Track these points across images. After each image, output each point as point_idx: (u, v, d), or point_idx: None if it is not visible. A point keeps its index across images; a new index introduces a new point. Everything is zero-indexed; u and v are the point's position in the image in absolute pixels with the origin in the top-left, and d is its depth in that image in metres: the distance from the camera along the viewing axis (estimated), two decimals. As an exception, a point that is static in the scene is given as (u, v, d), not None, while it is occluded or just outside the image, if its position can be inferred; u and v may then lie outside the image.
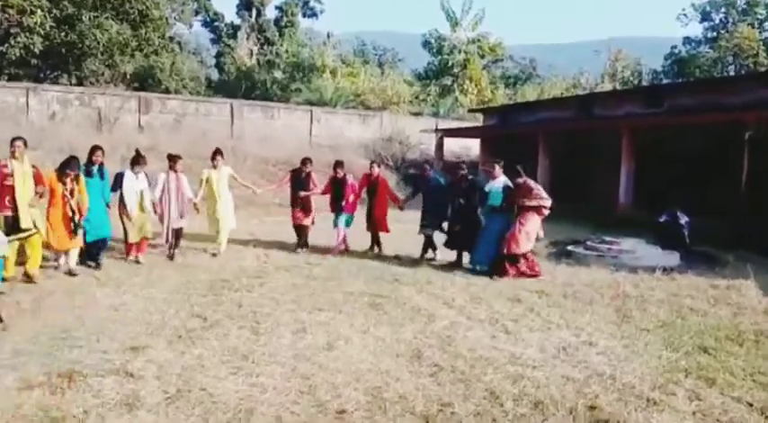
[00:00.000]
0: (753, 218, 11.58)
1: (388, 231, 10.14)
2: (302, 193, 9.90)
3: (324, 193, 10.14)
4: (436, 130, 24.12)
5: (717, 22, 42.27)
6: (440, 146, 23.33)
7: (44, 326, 5.57)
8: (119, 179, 8.50)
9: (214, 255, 9.37)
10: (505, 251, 8.29)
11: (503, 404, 4.16)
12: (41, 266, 7.55)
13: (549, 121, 19.84)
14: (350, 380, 4.49)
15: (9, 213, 7.03)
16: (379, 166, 10.68)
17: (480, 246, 8.73)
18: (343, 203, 9.91)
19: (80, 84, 26.09)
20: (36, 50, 24.89)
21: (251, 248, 9.88)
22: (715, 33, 41.37)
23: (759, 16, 40.93)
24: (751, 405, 4.27)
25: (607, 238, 10.35)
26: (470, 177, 9.37)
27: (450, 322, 6.11)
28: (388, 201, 10.21)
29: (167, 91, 27.97)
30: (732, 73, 37.07)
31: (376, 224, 10.10)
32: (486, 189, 8.82)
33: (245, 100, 27.38)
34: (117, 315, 6.06)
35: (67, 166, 7.61)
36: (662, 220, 11.29)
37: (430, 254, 9.70)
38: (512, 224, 8.42)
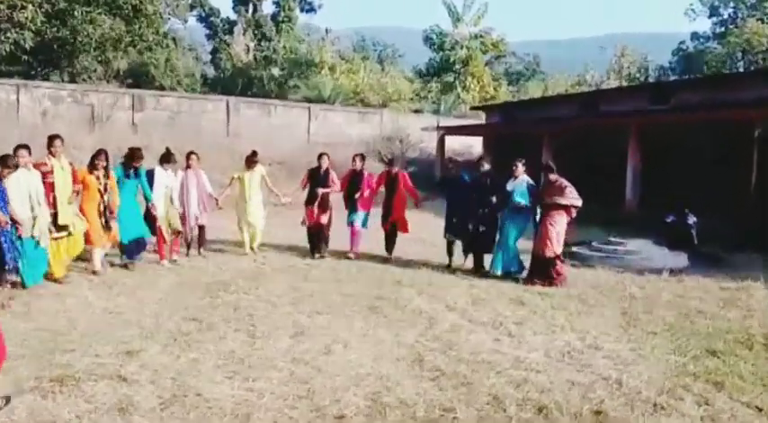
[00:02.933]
0: (762, 217, 11.59)
1: (407, 231, 9.79)
2: (321, 190, 9.55)
3: (342, 187, 9.89)
4: (437, 128, 24.11)
5: (725, 17, 42.33)
6: (441, 144, 23.32)
7: (35, 329, 5.57)
8: (150, 177, 8.63)
9: (248, 254, 9.50)
10: (541, 254, 8.04)
11: (506, 409, 4.16)
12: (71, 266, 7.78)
13: (554, 119, 19.84)
14: (349, 384, 4.49)
15: (53, 210, 7.26)
16: (405, 166, 10.32)
17: (502, 250, 8.56)
18: (357, 196, 9.64)
19: (72, 80, 26.08)
20: (27, 46, 24.88)
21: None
22: (723, 29, 41.41)
23: (769, 11, 40.94)
24: (761, 410, 4.27)
25: (613, 239, 10.35)
26: (490, 174, 9.01)
27: (452, 325, 6.11)
28: (407, 199, 9.86)
29: (162, 88, 27.98)
30: (741, 69, 37.06)
31: (394, 224, 9.74)
32: (509, 188, 8.51)
33: (241, 97, 27.41)
34: (110, 318, 6.05)
35: (96, 158, 7.83)
36: (669, 220, 11.31)
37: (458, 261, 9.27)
38: (539, 225, 8.21)
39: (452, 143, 24.43)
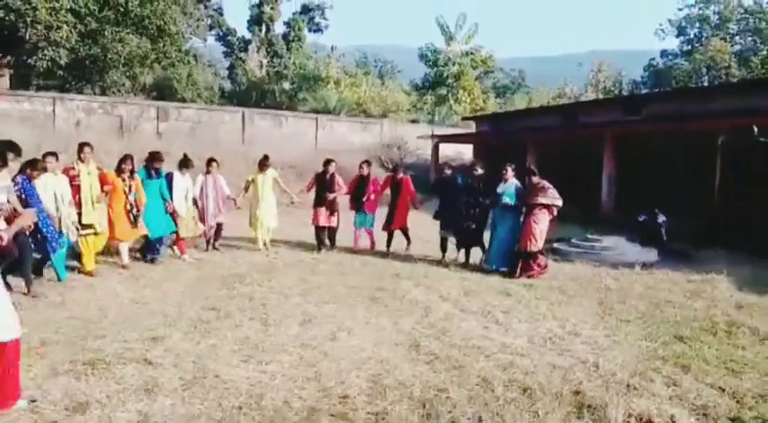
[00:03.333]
0: (725, 217, 11.59)
1: (397, 228, 9.74)
2: (330, 195, 9.53)
3: (349, 191, 9.91)
4: (432, 137, 24.10)
5: (692, 36, 42.32)
6: (435, 151, 23.33)
7: (69, 317, 5.58)
8: (168, 180, 8.66)
9: (261, 250, 9.49)
10: (525, 249, 8.10)
11: (494, 390, 4.16)
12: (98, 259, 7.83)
13: (537, 128, 19.82)
14: (352, 367, 4.49)
15: (77, 210, 7.30)
16: (404, 171, 10.24)
17: (494, 245, 8.59)
18: (364, 200, 9.68)
19: (103, 93, 26.09)
20: (62, 63, 24.90)
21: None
22: (690, 47, 41.41)
23: (731, 31, 41.00)
24: (723, 390, 4.27)
25: (590, 236, 10.35)
26: (482, 177, 8.99)
27: (446, 314, 6.11)
28: (409, 202, 9.83)
29: (183, 100, 27.96)
30: (706, 83, 37.06)
31: (395, 222, 9.73)
32: (499, 191, 8.55)
33: (255, 109, 27.38)
34: (137, 308, 6.06)
35: (123, 162, 7.94)
36: (641, 219, 11.29)
37: (451, 255, 9.29)
38: (523, 223, 8.26)
39: (446, 150, 24.40)
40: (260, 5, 37.55)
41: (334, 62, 35.70)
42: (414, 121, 31.22)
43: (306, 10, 39.20)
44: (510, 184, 8.56)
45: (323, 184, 9.75)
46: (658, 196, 12.77)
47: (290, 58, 36.99)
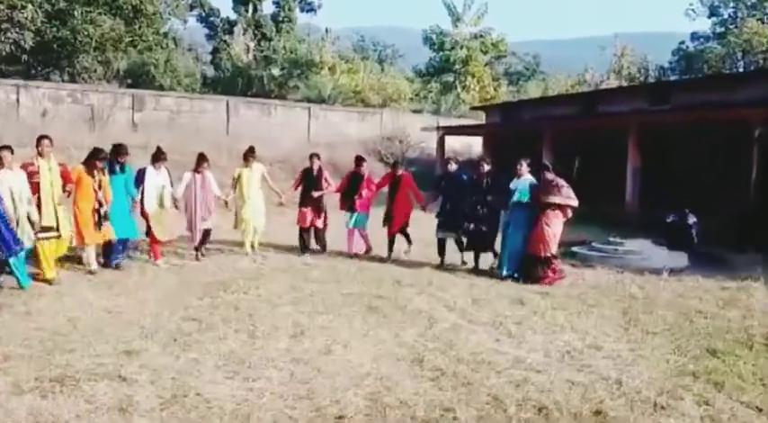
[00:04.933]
0: (762, 218, 11.58)
1: (397, 231, 9.78)
2: (315, 193, 9.65)
3: (339, 190, 9.97)
4: (437, 128, 24.11)
5: (725, 17, 42.25)
6: (441, 144, 23.32)
7: (36, 329, 5.57)
8: (141, 175, 8.64)
9: (249, 254, 9.46)
10: (537, 254, 8.11)
11: (506, 409, 4.16)
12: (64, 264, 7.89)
13: (554, 119, 19.84)
14: (349, 384, 4.49)
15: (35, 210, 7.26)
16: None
17: (506, 249, 8.58)
18: (356, 198, 9.68)
19: (72, 80, 26.08)
20: (27, 46, 24.91)
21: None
22: (723, 29, 41.34)
23: (769, 11, 40.92)
24: (761, 410, 4.27)
25: (612, 239, 10.34)
26: (490, 174, 9.02)
27: (452, 325, 6.11)
28: (411, 201, 9.87)
29: (161, 88, 27.95)
30: (741, 69, 37.04)
31: (393, 225, 9.77)
32: (512, 187, 8.57)
33: (241, 97, 27.40)
34: (110, 318, 6.06)
35: (95, 157, 7.90)
36: (669, 219, 11.30)
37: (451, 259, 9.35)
38: (534, 224, 8.25)
39: (452, 143, 24.43)
40: (246, -17, 37.58)
41: (329, 46, 35.69)
42: (417, 112, 31.25)
43: (297, -12, 39.22)
44: (524, 181, 8.56)
45: (309, 180, 9.78)
46: (688, 194, 12.77)
47: (279, 42, 36.97)
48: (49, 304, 6.44)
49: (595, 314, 6.69)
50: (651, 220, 12.13)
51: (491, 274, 8.74)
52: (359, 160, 10.12)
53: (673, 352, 5.47)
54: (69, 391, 4.21)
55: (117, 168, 8.37)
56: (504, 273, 8.52)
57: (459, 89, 35.37)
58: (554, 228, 8.17)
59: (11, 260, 6.79)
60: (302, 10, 39.91)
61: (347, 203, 9.86)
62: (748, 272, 8.51)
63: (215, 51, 38.76)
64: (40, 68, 27.08)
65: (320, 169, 9.88)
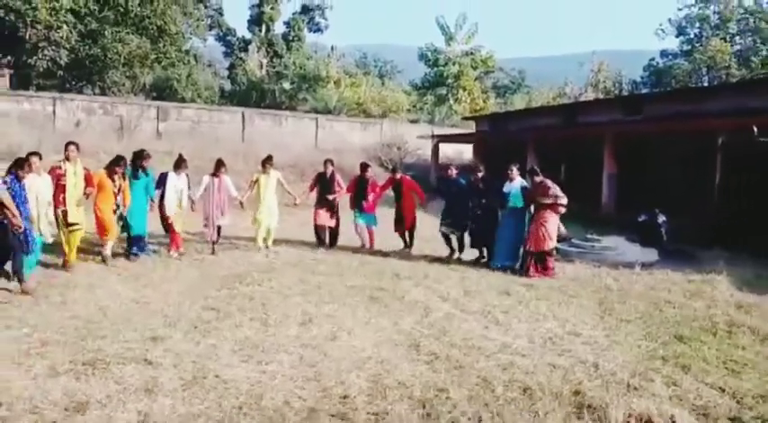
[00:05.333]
0: (725, 217, 11.58)
1: (408, 228, 9.85)
2: (331, 196, 9.67)
3: (348, 191, 9.98)
4: (432, 137, 24.11)
5: (692, 36, 42.29)
6: (435, 150, 23.34)
7: (70, 317, 5.58)
8: (162, 179, 8.74)
9: (261, 250, 9.42)
10: (540, 249, 8.17)
11: (494, 390, 4.16)
12: (84, 257, 7.97)
13: (537, 128, 19.82)
14: (352, 368, 4.49)
15: (63, 208, 7.38)
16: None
17: (500, 245, 8.68)
18: (364, 203, 9.77)
19: (103, 94, 26.10)
20: (62, 63, 24.94)
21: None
22: (690, 47, 41.37)
23: (731, 31, 40.97)
24: (723, 390, 4.27)
25: (590, 236, 10.34)
26: (485, 178, 9.12)
27: (446, 314, 6.11)
28: (414, 201, 9.93)
29: (183, 100, 27.96)
30: (706, 83, 37.06)
31: (404, 224, 9.84)
32: (505, 190, 8.66)
33: (255, 108, 27.39)
34: (137, 308, 6.06)
35: (116, 164, 8.00)
36: (641, 219, 11.28)
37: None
38: (530, 223, 8.33)
39: (446, 150, 24.43)
40: (260, 5, 37.55)
41: (334, 62, 35.68)
42: (414, 121, 31.22)
43: (306, 10, 39.21)
44: (516, 184, 8.66)
45: (324, 183, 9.83)
46: (658, 196, 12.76)
47: (289, 58, 36.99)
48: (83, 295, 6.44)
49: (575, 304, 6.69)
50: (625, 219, 12.13)
51: (484, 266, 8.76)
52: (364, 166, 10.18)
53: (644, 338, 5.47)
54: (100, 373, 4.22)
55: (140, 172, 8.43)
56: (498, 265, 8.60)
57: (451, 101, 35.35)
58: (549, 225, 8.22)
59: (25, 258, 6.72)
60: (310, 30, 39.94)
61: (356, 204, 9.92)
62: (712, 266, 8.51)
63: (231, 67, 38.76)
64: (74, 83, 27.10)
65: (333, 173, 9.88)
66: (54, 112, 20.69)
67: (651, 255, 9.77)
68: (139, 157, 8.49)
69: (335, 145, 24.05)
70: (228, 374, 4.27)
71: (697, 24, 41.89)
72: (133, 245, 8.45)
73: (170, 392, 3.95)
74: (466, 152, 24.95)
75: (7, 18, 23.44)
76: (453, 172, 9.62)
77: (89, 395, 3.85)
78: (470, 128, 27.36)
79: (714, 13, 41.60)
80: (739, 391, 4.23)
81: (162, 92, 29.06)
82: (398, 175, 10.00)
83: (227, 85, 37.92)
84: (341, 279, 7.63)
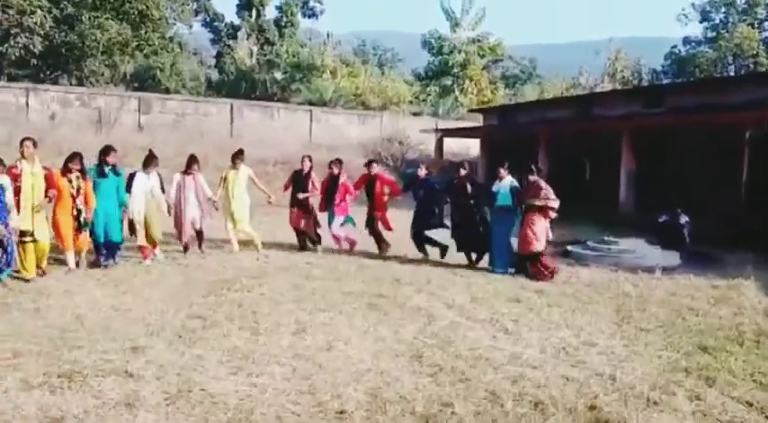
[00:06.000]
0: (753, 218, 11.59)
1: (391, 229, 9.99)
2: (301, 195, 9.76)
3: (321, 192, 9.99)
4: (436, 131, 24.13)
5: (717, 21, 42.28)
6: (439, 146, 23.35)
7: (44, 326, 5.57)
8: (130, 179, 8.47)
9: (235, 252, 9.41)
10: (528, 252, 8.35)
11: (503, 404, 4.16)
12: (43, 268, 7.66)
13: (550, 122, 19.84)
14: (350, 380, 4.49)
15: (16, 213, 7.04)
16: (377, 164, 10.52)
17: (496, 249, 8.82)
18: (336, 204, 9.75)
19: (80, 84, 26.11)
20: (36, 50, 24.94)
21: (250, 249, 9.86)
22: (715, 33, 41.37)
23: (759, 16, 40.94)
24: (751, 405, 4.27)
25: (607, 238, 10.35)
26: (471, 176, 9.33)
27: (451, 322, 6.11)
28: (385, 199, 9.98)
29: (167, 91, 27.99)
30: (732, 73, 37.07)
31: (377, 223, 9.94)
32: (494, 190, 8.85)
33: (245, 100, 27.41)
34: (117, 315, 6.06)
35: (70, 161, 7.59)
36: (662, 219, 11.29)
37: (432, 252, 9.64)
38: (520, 226, 8.51)
39: (451, 145, 24.45)
40: (250, -12, 37.59)
41: (330, 50, 35.72)
42: (416, 114, 31.27)
43: (299, -7, 39.25)
44: (505, 184, 8.81)
45: (298, 182, 9.86)
46: (680, 195, 12.77)
47: (282, 46, 37.00)
48: (58, 302, 6.44)
49: (590, 311, 6.69)
50: (644, 220, 12.14)
51: (484, 271, 8.79)
52: (332, 163, 10.12)
53: (665, 348, 5.47)
54: (77, 386, 4.21)
55: (108, 171, 8.08)
56: (497, 270, 8.70)
57: (457, 92, 35.39)
58: (536, 228, 8.35)
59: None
60: (304, 15, 39.99)
61: (329, 207, 9.88)
62: (739, 270, 8.50)
63: (219, 55, 38.80)
64: (48, 72, 27.11)
65: (309, 171, 9.90)
66: (27, 103, 20.70)
67: (673, 258, 9.78)
68: (106, 152, 8.13)
69: (332, 140, 24.11)
70: (216, 388, 4.27)
71: (723, 9, 41.90)
72: (102, 253, 8.16)
73: (152, 407, 3.95)
74: (473, 147, 24.98)
75: (-24, 2, 23.46)
76: (422, 172, 9.76)
77: (65, 410, 3.85)
78: (477, 121, 27.40)
79: (741, -4, 41.62)
80: (768, 406, 4.23)
81: (144, 82, 29.07)
82: (373, 172, 10.07)
83: (215, 75, 37.94)
84: (337, 284, 7.64)
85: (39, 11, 24.21)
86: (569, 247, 10.36)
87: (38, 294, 6.67)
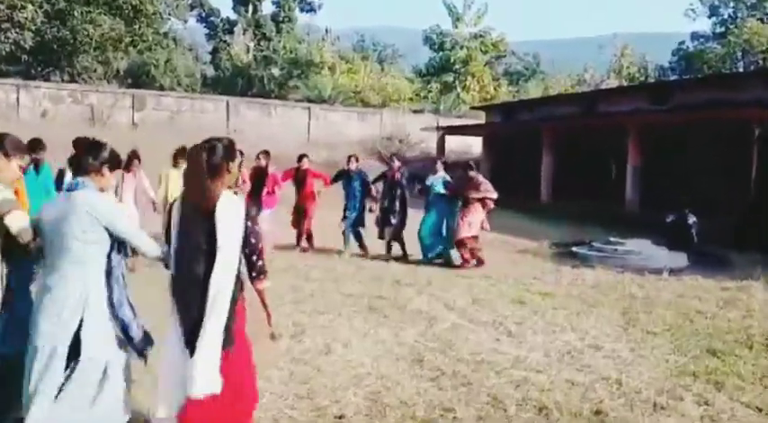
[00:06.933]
0: (762, 217, 11.58)
1: (309, 226, 10.16)
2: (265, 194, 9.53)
3: (249, 183, 9.68)
4: (437, 128, 24.13)
5: (725, 16, 42.31)
6: (441, 144, 23.34)
7: None
8: (59, 178, 7.48)
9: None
10: (460, 238, 9.20)
11: (506, 409, 4.15)
12: None
13: (554, 119, 19.84)
14: (349, 384, 4.48)
15: None
16: (308, 159, 10.55)
17: (427, 236, 9.60)
18: (263, 198, 9.50)
19: (72, 80, 26.11)
20: (26, 46, 24.95)
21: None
22: (723, 28, 41.39)
23: (769, 11, 40.94)
24: (761, 409, 4.26)
25: (613, 239, 10.35)
26: (400, 169, 10.14)
27: (452, 325, 6.10)
28: (315, 194, 10.20)
29: (161, 88, 28.02)
30: (741, 69, 37.06)
31: (304, 218, 10.09)
32: (428, 182, 9.82)
33: (241, 97, 27.43)
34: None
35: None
36: (669, 219, 11.30)
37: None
38: (459, 216, 9.32)
39: (452, 143, 24.44)
40: (246, -18, 37.61)
41: (329, 46, 35.78)
42: (417, 111, 31.26)
43: (297, -12, 39.25)
44: (438, 177, 9.79)
45: (261, 178, 9.73)
46: (688, 194, 12.78)
47: (279, 42, 37.03)
48: None
49: (595, 314, 6.69)
50: (651, 220, 12.14)
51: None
52: (260, 154, 10.05)
53: (673, 352, 5.46)
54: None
55: (31, 168, 7.05)
56: (428, 257, 9.56)
57: (459, 89, 35.40)
58: (471, 217, 9.23)
59: None
60: (302, 10, 39.98)
61: (254, 200, 9.30)
62: (748, 272, 8.50)
63: (215, 51, 38.83)
64: (39, 68, 27.11)
65: (266, 168, 9.86)
66: (18, 100, 20.72)
67: (680, 259, 9.78)
68: (32, 148, 6.87)
69: (330, 137, 24.11)
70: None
71: (731, 4, 41.93)
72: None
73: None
74: (475, 145, 24.96)
75: (-35, -3, 23.46)
76: (353, 165, 10.16)
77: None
78: (480, 118, 27.39)
79: (750, -9, 41.63)
80: (778, 411, 4.23)
81: (138, 78, 29.11)
82: (304, 166, 10.23)
83: (210, 71, 37.99)
84: (336, 286, 7.63)
85: (30, 5, 24.21)
86: (574, 249, 10.37)
87: None
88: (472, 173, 9.59)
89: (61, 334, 2.97)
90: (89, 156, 3.18)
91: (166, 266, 3.17)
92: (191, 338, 3.01)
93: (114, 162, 3.31)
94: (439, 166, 10.07)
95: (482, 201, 9.32)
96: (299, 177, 10.18)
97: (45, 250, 3.09)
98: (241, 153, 9.77)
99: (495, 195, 9.38)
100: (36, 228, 3.09)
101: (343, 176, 10.23)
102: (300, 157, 10.43)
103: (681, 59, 42.39)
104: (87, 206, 3.02)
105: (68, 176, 7.54)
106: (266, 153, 10.15)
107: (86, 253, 3.01)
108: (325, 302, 6.83)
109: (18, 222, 3.08)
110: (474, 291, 7.61)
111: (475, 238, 9.27)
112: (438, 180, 9.79)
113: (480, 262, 9.18)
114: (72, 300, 3.00)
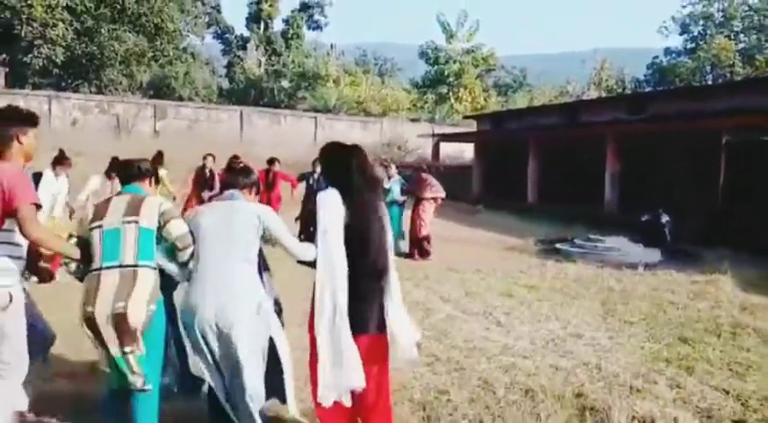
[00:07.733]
0: (729, 217, 11.59)
1: None
2: (207, 194, 8.75)
3: (192, 187, 9.30)
4: (433, 136, 24.14)
5: (695, 33, 42.32)
6: (436, 150, 23.37)
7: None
8: (35, 181, 6.64)
9: None
10: (419, 235, 9.41)
11: (495, 392, 4.16)
12: None
13: (539, 127, 19.82)
14: (352, 369, 4.47)
15: None
16: (278, 163, 10.18)
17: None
18: (206, 198, 8.55)
19: (99, 92, 26.12)
20: (58, 61, 24.96)
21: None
22: (694, 44, 41.41)
23: (735, 28, 40.99)
24: (727, 392, 4.27)
25: (593, 236, 10.35)
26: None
27: (447, 315, 6.11)
28: (281, 198, 9.93)
29: (181, 99, 28.01)
30: (710, 82, 37.09)
31: None
32: (387, 186, 9.59)
33: (254, 107, 27.42)
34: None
35: None
36: (644, 219, 11.29)
37: None
38: (413, 213, 9.55)
39: (446, 149, 24.45)
40: (258, 2, 37.60)
41: (334, 60, 35.75)
42: (414, 120, 31.24)
43: (305, 7, 39.26)
44: (395, 182, 9.90)
45: (202, 182, 9.25)
46: (662, 196, 12.77)
47: (288, 56, 37.04)
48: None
49: (577, 305, 6.69)
50: (628, 219, 12.14)
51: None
52: (207, 156, 9.59)
53: (647, 340, 5.47)
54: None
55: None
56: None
57: (452, 100, 35.38)
58: (425, 215, 9.46)
59: None
60: (309, 27, 40.00)
61: (199, 204, 8.63)
62: (716, 266, 8.49)
63: (230, 65, 38.84)
64: (69, 81, 27.12)
65: (212, 170, 9.31)
66: (50, 110, 20.72)
67: (654, 255, 9.77)
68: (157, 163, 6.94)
69: (335, 144, 24.03)
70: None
71: (701, 22, 41.93)
72: None
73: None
74: (467, 151, 24.96)
75: (2, 15, 23.48)
76: (315, 174, 9.58)
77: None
78: (472, 127, 27.35)
79: (718, 10, 41.64)
80: (744, 394, 4.23)
81: (159, 90, 29.11)
82: (274, 169, 9.89)
83: (225, 84, 37.98)
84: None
85: (61, 23, 24.23)
86: (558, 245, 10.36)
87: None
88: (424, 174, 9.85)
89: (260, 327, 3.18)
90: (242, 176, 3.45)
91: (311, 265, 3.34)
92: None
93: (257, 188, 3.53)
94: (393, 169, 10.22)
95: (433, 199, 9.59)
96: (269, 180, 9.71)
97: (199, 253, 3.16)
98: (213, 157, 9.22)
99: (443, 194, 9.68)
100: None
101: (307, 179, 10.02)
102: (271, 161, 10.06)
103: (655, 73, 42.39)
104: (253, 212, 3.23)
105: (48, 178, 6.77)
106: (212, 156, 9.62)
107: (253, 251, 3.20)
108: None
109: (179, 229, 3.17)
110: (466, 284, 7.61)
111: (428, 234, 9.50)
112: (396, 185, 9.89)
113: (428, 254, 9.42)
114: (252, 294, 3.16)
